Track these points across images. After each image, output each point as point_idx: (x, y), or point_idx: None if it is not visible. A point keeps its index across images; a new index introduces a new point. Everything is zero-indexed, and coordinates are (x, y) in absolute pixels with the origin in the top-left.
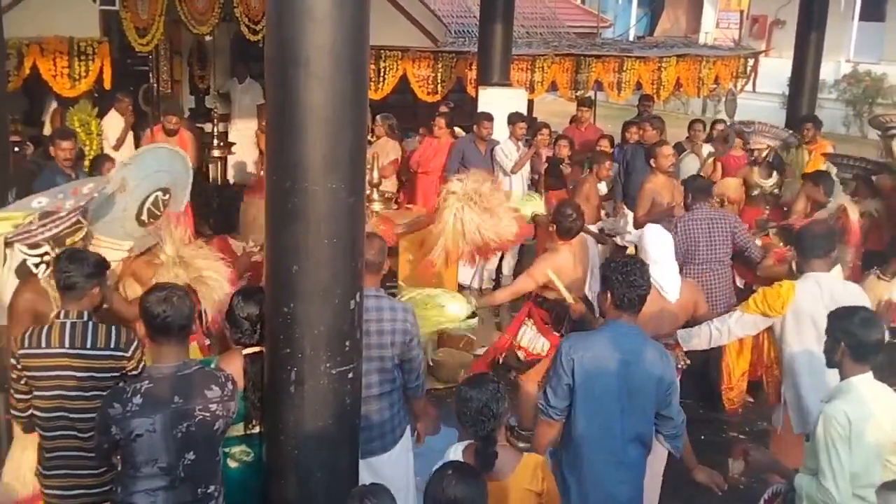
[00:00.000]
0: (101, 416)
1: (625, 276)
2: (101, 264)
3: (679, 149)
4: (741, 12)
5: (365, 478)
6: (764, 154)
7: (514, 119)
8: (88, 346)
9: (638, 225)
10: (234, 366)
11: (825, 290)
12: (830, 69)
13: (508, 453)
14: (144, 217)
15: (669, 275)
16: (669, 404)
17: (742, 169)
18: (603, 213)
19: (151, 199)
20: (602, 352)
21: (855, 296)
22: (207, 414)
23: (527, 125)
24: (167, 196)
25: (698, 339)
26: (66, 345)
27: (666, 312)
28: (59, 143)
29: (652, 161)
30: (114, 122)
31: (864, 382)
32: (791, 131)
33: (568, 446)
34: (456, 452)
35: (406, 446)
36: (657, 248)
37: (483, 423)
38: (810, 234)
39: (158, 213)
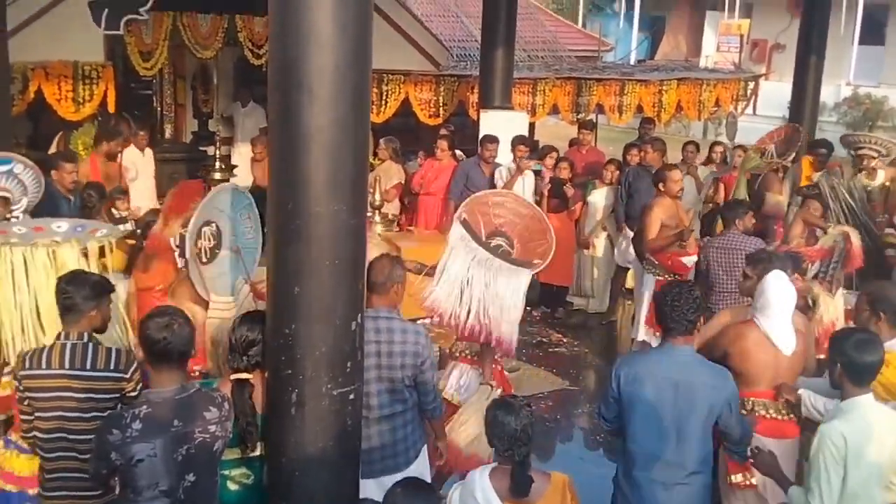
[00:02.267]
0: (99, 442)
1: (675, 302)
2: (100, 286)
3: None
4: (741, 36)
5: (377, 497)
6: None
7: (514, 142)
8: (88, 367)
9: (651, 250)
10: (226, 389)
11: None
12: (831, 92)
13: (537, 476)
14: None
15: (781, 326)
16: (729, 424)
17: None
18: (604, 234)
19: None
20: (647, 371)
21: None
22: (207, 435)
23: (528, 148)
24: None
25: (812, 413)
26: (66, 366)
27: (781, 362)
28: (64, 165)
29: (661, 185)
30: (133, 156)
31: (865, 404)
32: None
33: (621, 460)
34: (482, 477)
35: (423, 465)
36: (776, 297)
37: (520, 446)
38: None
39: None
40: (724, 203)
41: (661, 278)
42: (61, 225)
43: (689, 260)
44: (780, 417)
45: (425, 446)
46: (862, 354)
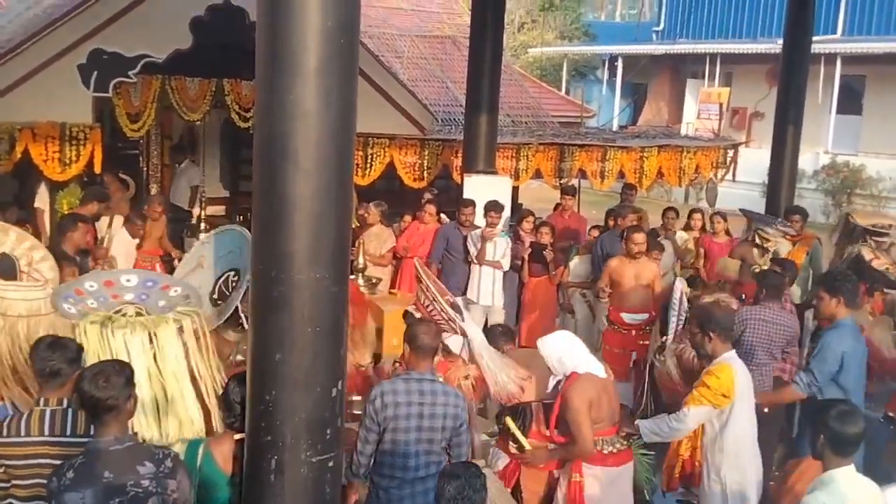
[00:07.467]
0: (45, 490)
1: (850, 285)
2: (80, 350)
3: (653, 234)
4: (721, 104)
5: None
6: (770, 245)
7: (486, 208)
8: (67, 433)
9: (596, 292)
10: (224, 448)
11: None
12: (810, 160)
13: None
14: (216, 296)
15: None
16: None
17: (740, 248)
18: (585, 299)
19: (223, 278)
20: (852, 340)
21: None
22: (139, 490)
23: (498, 215)
24: (237, 277)
25: (658, 434)
26: (46, 433)
27: (614, 403)
28: (80, 226)
29: (625, 244)
30: (122, 237)
31: (846, 475)
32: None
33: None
34: None
35: None
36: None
37: None
38: (724, 317)
39: (227, 293)
40: (761, 272)
41: (609, 329)
42: (130, 278)
43: (630, 317)
44: (622, 448)
45: None
46: (844, 426)
